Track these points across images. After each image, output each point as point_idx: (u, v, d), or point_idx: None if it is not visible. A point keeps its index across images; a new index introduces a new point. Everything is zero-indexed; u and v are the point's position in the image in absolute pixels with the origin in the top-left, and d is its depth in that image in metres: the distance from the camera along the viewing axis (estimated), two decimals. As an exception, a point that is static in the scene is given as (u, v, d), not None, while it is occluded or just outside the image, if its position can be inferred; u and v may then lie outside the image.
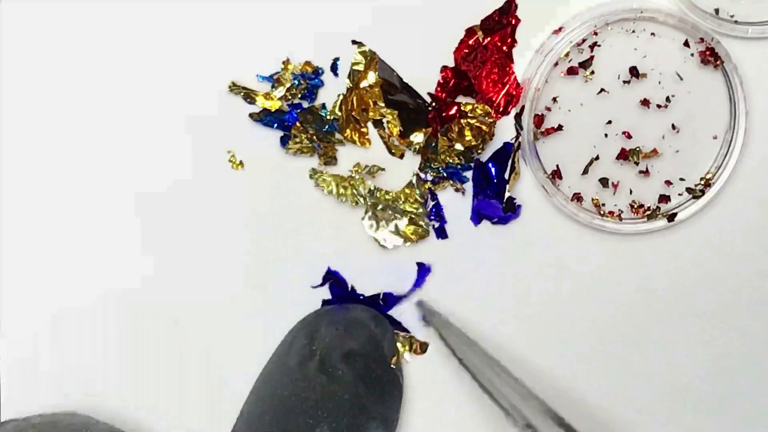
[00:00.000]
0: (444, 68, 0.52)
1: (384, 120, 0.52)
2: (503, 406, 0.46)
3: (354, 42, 0.52)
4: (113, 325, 0.55)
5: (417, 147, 0.52)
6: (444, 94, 0.52)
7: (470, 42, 0.52)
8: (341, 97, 0.52)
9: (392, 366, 0.52)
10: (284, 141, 0.53)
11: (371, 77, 0.52)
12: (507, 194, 0.52)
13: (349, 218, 0.54)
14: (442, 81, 0.52)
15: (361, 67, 0.52)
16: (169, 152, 0.53)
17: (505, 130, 0.52)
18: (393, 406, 0.52)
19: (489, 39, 0.51)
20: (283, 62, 0.52)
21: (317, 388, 0.49)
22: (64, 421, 0.50)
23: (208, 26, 0.52)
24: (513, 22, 0.51)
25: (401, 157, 0.53)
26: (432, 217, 0.53)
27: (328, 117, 0.53)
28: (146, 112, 0.53)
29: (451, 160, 0.52)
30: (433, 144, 0.52)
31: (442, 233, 0.53)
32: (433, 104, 0.52)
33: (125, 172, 0.54)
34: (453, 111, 0.52)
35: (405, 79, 0.52)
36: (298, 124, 0.53)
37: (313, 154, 0.53)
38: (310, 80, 0.52)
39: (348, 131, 0.53)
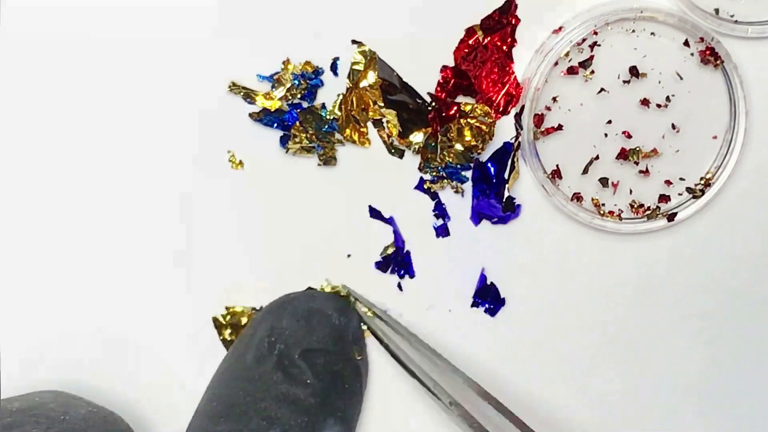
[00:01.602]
0: (444, 68, 0.52)
1: (384, 120, 0.52)
2: (426, 385, 0.48)
3: (354, 42, 0.52)
4: (101, 314, 0.55)
5: (417, 147, 0.52)
6: (444, 94, 0.52)
7: (470, 42, 0.52)
8: (341, 96, 0.52)
9: (356, 358, 0.52)
10: (284, 141, 0.53)
11: (371, 77, 0.52)
12: (506, 194, 0.52)
13: (348, 219, 0.54)
14: (442, 81, 0.52)
15: (360, 67, 0.52)
16: (169, 151, 0.53)
17: (505, 130, 0.52)
18: (353, 401, 0.51)
19: (489, 39, 0.51)
20: (283, 62, 0.52)
21: (272, 389, 0.48)
22: (45, 404, 0.49)
23: (208, 25, 0.52)
24: (513, 21, 0.51)
25: (401, 157, 0.53)
26: (436, 215, 0.53)
27: (327, 117, 0.53)
28: (146, 111, 0.53)
29: (450, 160, 0.52)
30: (433, 144, 0.52)
31: (443, 231, 0.53)
32: (433, 104, 0.52)
33: (123, 169, 0.54)
34: (453, 111, 0.52)
35: (405, 79, 0.52)
36: (297, 124, 0.53)
37: (312, 154, 0.53)
38: (310, 80, 0.52)
39: (348, 131, 0.53)
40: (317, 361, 0.50)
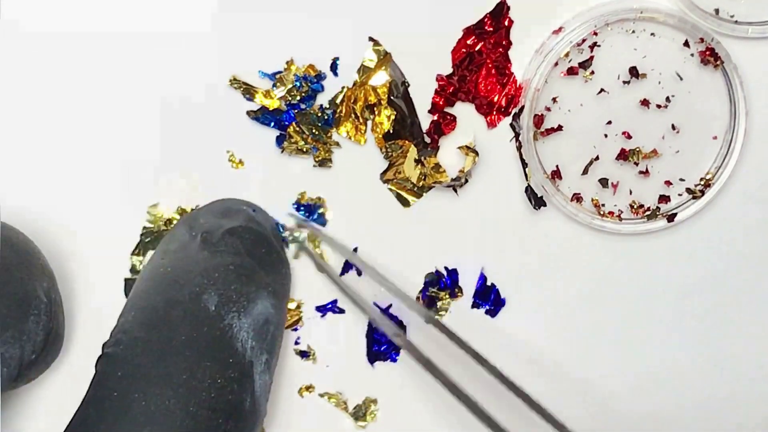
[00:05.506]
0: (440, 77, 0.52)
1: (380, 114, 0.52)
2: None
3: (371, 39, 0.52)
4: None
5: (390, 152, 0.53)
6: (442, 100, 0.52)
7: (468, 42, 0.52)
8: (345, 89, 0.52)
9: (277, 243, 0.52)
10: (280, 141, 0.53)
11: (381, 77, 0.52)
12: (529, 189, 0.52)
13: (348, 218, 0.54)
14: (439, 88, 0.52)
15: (371, 65, 0.52)
16: (168, 149, 0.53)
17: (504, 130, 0.52)
18: (282, 280, 0.52)
19: (483, 43, 0.51)
20: (287, 62, 0.52)
21: (201, 261, 0.48)
22: None
23: (211, 22, 0.52)
24: (506, 24, 0.51)
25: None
26: None
27: (326, 108, 0.52)
28: (145, 106, 0.53)
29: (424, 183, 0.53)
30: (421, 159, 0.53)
31: None
32: (433, 116, 0.52)
33: (122, 160, 0.54)
34: (451, 125, 0.52)
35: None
36: (294, 124, 0.52)
37: (308, 155, 0.53)
38: (311, 83, 0.52)
39: (345, 125, 0.52)
40: (243, 238, 0.50)
